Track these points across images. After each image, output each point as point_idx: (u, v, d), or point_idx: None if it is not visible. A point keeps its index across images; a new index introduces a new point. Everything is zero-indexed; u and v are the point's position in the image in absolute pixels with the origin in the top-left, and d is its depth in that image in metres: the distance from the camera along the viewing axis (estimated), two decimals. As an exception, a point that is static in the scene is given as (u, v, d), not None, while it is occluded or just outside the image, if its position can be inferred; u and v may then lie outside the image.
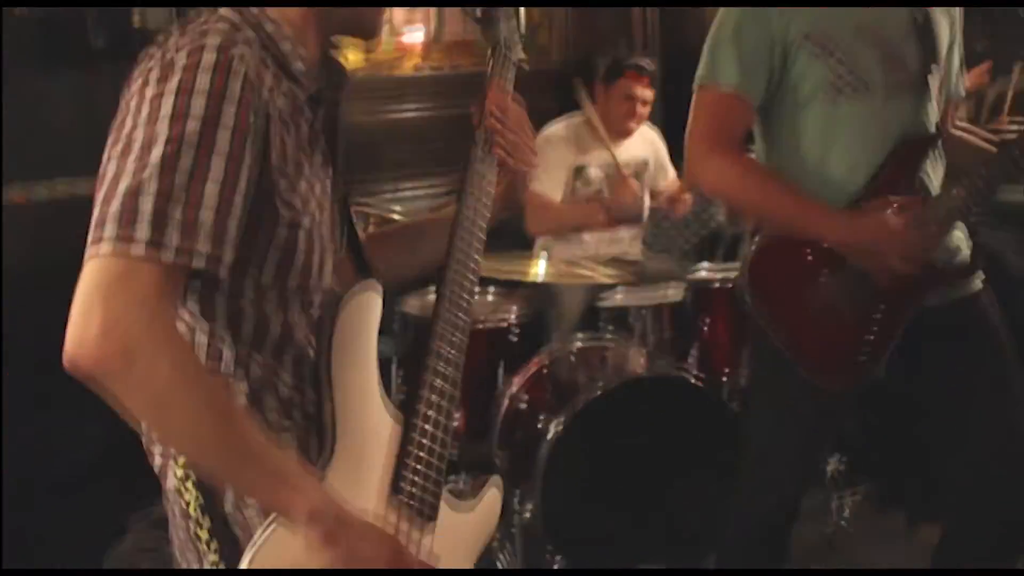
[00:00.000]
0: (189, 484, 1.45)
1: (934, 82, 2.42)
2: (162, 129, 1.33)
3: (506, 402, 3.57)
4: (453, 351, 1.60)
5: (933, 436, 2.58)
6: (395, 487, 1.53)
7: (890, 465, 3.87)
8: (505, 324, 3.75)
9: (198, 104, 1.33)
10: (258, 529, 1.40)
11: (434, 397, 1.57)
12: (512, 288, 3.92)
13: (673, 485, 3.40)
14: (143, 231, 1.29)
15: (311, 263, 1.50)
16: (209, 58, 1.36)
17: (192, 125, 1.33)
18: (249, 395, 1.47)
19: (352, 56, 4.61)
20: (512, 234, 4.23)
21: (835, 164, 2.38)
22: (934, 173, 2.46)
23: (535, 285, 3.91)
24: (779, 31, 2.34)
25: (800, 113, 2.39)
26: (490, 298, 3.97)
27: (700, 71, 2.43)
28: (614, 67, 4.27)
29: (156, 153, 1.32)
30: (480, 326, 3.67)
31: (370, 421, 1.53)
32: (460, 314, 1.62)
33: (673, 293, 3.84)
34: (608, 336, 3.74)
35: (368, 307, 1.54)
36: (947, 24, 2.47)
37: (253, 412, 1.46)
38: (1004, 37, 4.58)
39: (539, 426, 3.40)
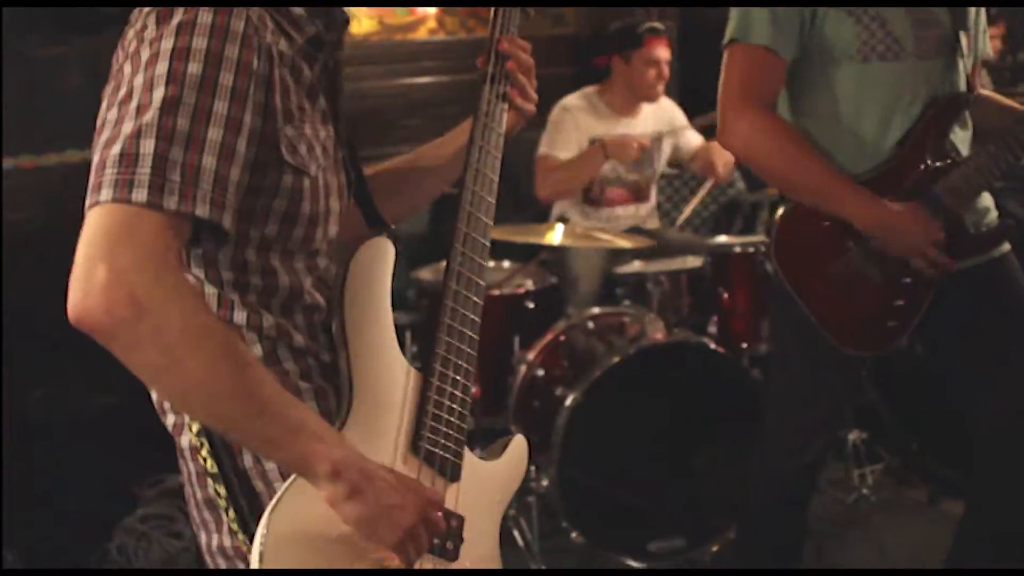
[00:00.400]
0: (204, 440, 1.40)
1: (965, 43, 2.37)
2: (163, 70, 1.27)
3: (522, 372, 3.52)
4: (469, 304, 1.54)
5: (960, 400, 2.52)
6: (414, 445, 1.46)
7: (912, 440, 3.82)
8: (522, 291, 3.70)
9: (200, 43, 1.28)
10: (279, 481, 1.36)
11: (451, 354, 1.51)
12: (528, 257, 3.87)
13: (693, 455, 3.36)
14: (144, 176, 1.23)
15: (317, 212, 1.44)
16: None
17: (195, 66, 1.27)
18: (263, 352, 1.43)
19: (365, 22, 4.55)
20: (529, 207, 4.18)
21: (866, 126, 2.34)
22: (963, 135, 2.42)
23: (552, 252, 3.88)
24: None
25: (831, 74, 2.34)
26: (506, 266, 3.92)
27: (731, 28, 2.36)
28: (630, 35, 4.19)
29: (158, 95, 1.26)
30: (496, 293, 3.62)
31: (387, 376, 1.47)
32: (476, 263, 1.55)
33: (692, 260, 3.79)
34: (626, 305, 3.69)
35: (381, 257, 1.48)
36: None
37: (269, 366, 1.41)
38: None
39: (556, 396, 3.36)
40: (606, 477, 3.29)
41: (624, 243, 3.64)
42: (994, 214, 2.46)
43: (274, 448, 1.31)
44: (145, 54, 1.30)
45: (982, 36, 2.49)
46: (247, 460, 1.41)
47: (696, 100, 4.39)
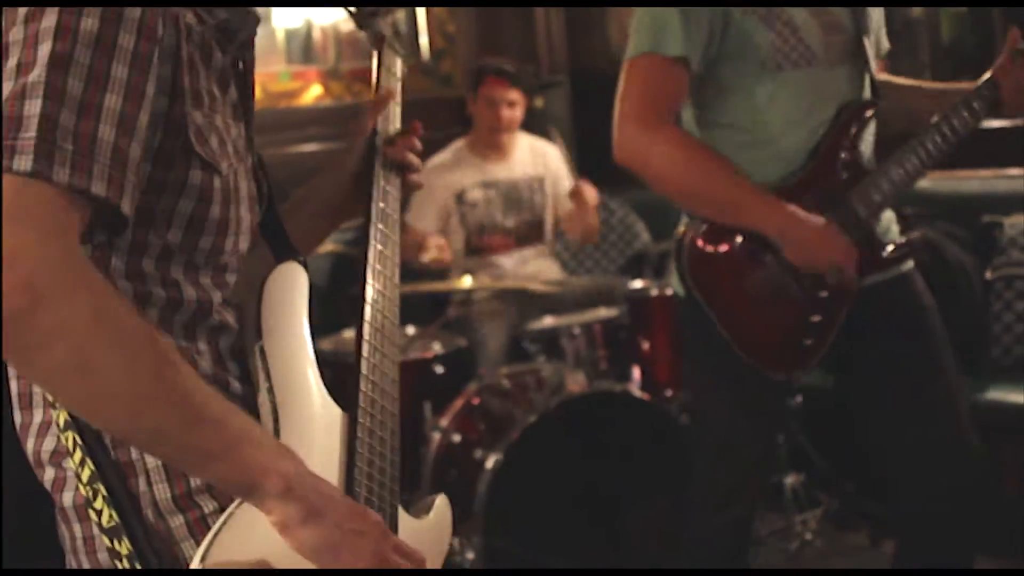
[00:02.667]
0: (99, 485, 1.16)
1: (870, 47, 2.32)
2: (50, 23, 1.05)
3: (437, 440, 3.30)
4: (388, 334, 1.37)
5: (872, 428, 2.40)
6: (350, 492, 1.25)
7: (847, 482, 3.68)
8: (429, 355, 3.51)
9: None
10: (194, 535, 1.16)
11: (375, 392, 1.33)
12: (432, 319, 3.69)
13: (626, 510, 3.17)
14: (29, 141, 1.01)
15: (227, 220, 1.23)
16: None
17: (89, 21, 1.06)
18: None
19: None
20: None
21: (779, 134, 2.25)
22: (868, 143, 2.35)
23: (458, 310, 3.72)
24: None
25: (743, 82, 2.24)
26: (410, 331, 3.72)
27: (638, 41, 2.23)
28: (475, 73, 4.17)
29: (44, 50, 1.04)
30: (402, 359, 3.41)
31: (313, 413, 1.28)
32: (391, 285, 1.40)
33: (606, 311, 3.62)
34: (540, 361, 3.51)
35: (295, 283, 1.31)
36: None
37: None
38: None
39: (476, 460, 3.14)
40: (535, 543, 3.07)
41: (536, 287, 3.49)
42: (896, 229, 2.39)
43: (212, 463, 1.10)
44: (24, 11, 1.07)
45: (882, 34, 2.44)
46: (149, 514, 1.17)
47: (589, 156, 4.32)
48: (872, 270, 2.28)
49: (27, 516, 1.24)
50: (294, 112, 4.57)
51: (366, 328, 1.36)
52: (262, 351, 1.25)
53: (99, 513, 1.16)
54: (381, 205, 1.46)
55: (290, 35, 4.60)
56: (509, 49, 5.10)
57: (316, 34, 4.65)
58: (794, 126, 2.25)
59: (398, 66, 1.60)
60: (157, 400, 1.05)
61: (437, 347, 3.57)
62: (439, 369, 3.51)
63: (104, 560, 1.18)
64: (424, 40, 4.91)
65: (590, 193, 3.86)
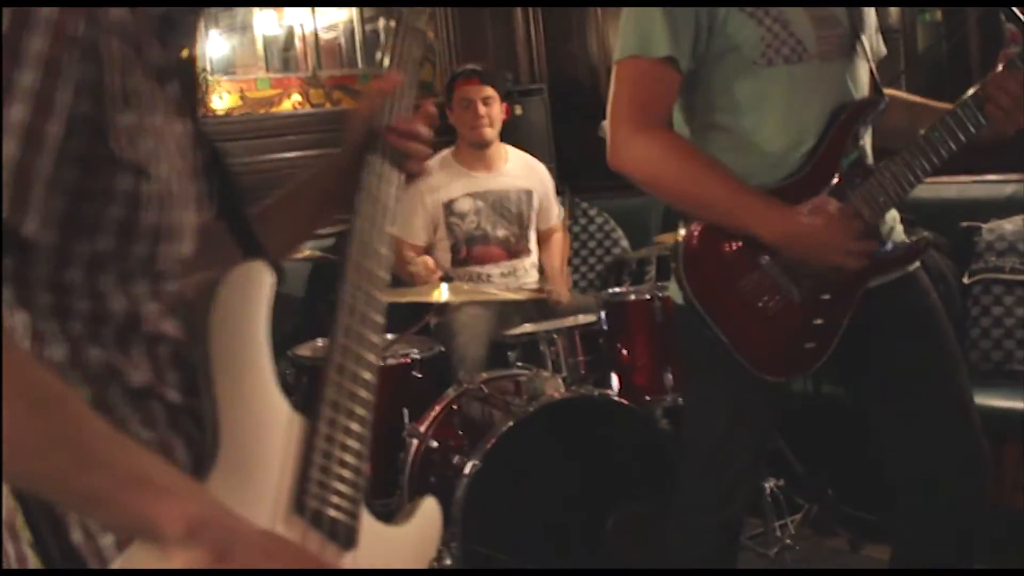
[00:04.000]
0: (17, 505, 1.10)
1: (867, 43, 2.28)
2: None
3: (415, 446, 3.28)
4: (364, 342, 1.30)
5: (880, 432, 2.36)
6: (298, 504, 1.20)
7: (826, 486, 3.67)
8: (407, 360, 3.49)
9: None
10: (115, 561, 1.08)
11: (342, 396, 1.26)
12: (411, 324, 3.67)
13: (605, 514, 3.14)
14: None
15: (164, 225, 1.16)
16: None
17: None
18: (91, 394, 1.13)
19: (227, 96, 4.35)
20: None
21: (773, 133, 2.20)
22: (868, 141, 2.30)
23: (436, 316, 3.69)
24: None
25: (733, 81, 2.19)
26: (387, 336, 3.69)
27: (625, 43, 2.19)
28: (448, 85, 4.21)
29: None
30: (379, 364, 3.38)
31: (263, 421, 1.21)
32: (371, 297, 1.32)
33: (584, 317, 3.62)
34: (519, 367, 3.49)
35: (255, 283, 1.23)
36: None
37: (97, 413, 1.10)
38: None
39: (454, 466, 3.12)
40: (516, 549, 3.04)
41: (512, 296, 3.47)
42: (900, 228, 2.34)
43: (100, 507, 1.03)
44: None
45: (876, 36, 2.41)
46: (76, 534, 1.10)
47: (568, 165, 4.31)
48: (879, 272, 2.24)
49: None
50: (273, 119, 4.56)
51: (339, 331, 1.29)
52: (206, 356, 1.18)
53: (22, 526, 1.11)
54: (370, 197, 1.37)
55: (269, 42, 4.58)
56: (489, 58, 5.11)
57: (295, 42, 4.64)
58: (788, 125, 2.19)
59: (415, 49, 1.49)
60: (33, 443, 0.99)
61: (414, 352, 3.55)
62: (417, 374, 3.49)
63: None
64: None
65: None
